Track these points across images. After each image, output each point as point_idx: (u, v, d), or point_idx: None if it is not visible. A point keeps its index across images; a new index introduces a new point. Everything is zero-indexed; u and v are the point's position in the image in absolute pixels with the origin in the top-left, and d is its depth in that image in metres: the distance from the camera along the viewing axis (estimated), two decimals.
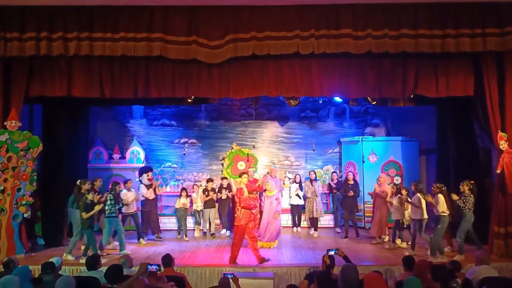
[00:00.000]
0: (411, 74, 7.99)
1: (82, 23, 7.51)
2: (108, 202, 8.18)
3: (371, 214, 9.60)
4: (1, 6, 7.47)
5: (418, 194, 7.99)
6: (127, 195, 8.90)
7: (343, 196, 9.84)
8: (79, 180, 8.26)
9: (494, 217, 7.89)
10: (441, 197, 7.63)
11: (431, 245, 7.68)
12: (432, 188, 7.89)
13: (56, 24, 7.51)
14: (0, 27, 7.50)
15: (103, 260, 5.93)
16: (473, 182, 7.81)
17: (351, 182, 9.77)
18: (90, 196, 7.67)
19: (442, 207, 7.59)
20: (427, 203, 7.88)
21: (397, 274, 6.29)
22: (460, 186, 7.82)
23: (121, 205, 8.43)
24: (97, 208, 7.68)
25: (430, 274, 4.55)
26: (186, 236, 9.62)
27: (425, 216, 7.96)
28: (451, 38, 7.41)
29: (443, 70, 7.96)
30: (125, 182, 9.18)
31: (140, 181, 9.63)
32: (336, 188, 10.26)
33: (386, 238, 9.05)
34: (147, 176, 9.56)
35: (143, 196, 9.39)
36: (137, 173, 10.45)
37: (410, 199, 8.24)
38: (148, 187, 9.51)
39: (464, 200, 7.59)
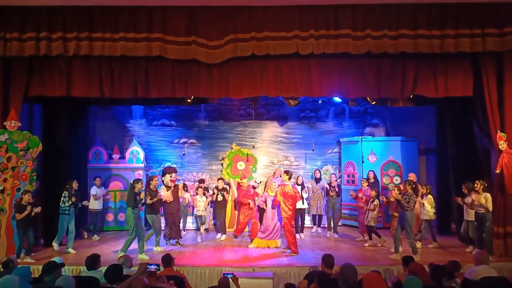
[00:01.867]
0: (410, 74, 8.01)
1: (82, 23, 7.52)
2: (62, 199, 8.28)
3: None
4: (0, 6, 7.48)
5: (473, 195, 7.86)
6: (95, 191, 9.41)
7: (327, 197, 10.04)
8: (133, 180, 8.34)
9: (493, 217, 7.89)
10: (488, 195, 7.68)
11: (487, 243, 7.71)
12: (476, 185, 7.85)
13: (55, 24, 7.52)
14: (0, 27, 7.50)
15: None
16: (415, 181, 8.16)
17: (372, 180, 9.91)
18: (26, 198, 7.57)
19: (490, 205, 7.67)
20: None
21: (396, 273, 6.30)
22: (402, 186, 8.14)
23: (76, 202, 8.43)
24: (29, 209, 7.53)
25: (429, 273, 4.56)
26: (184, 230, 9.58)
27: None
28: (450, 39, 7.43)
29: (442, 71, 7.98)
30: (94, 178, 9.68)
31: (162, 181, 9.18)
32: (334, 191, 9.97)
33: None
34: (170, 177, 8.98)
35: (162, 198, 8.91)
36: (136, 173, 10.49)
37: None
38: (169, 188, 8.96)
39: (408, 200, 7.70)
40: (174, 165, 11.10)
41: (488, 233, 7.73)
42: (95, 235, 9.64)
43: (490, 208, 7.70)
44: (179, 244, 8.96)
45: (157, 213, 8.49)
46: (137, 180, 8.21)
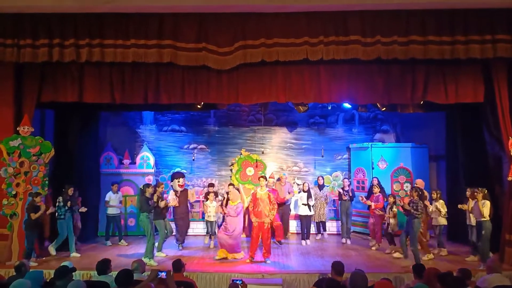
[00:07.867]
0: (420, 80, 7.98)
1: (94, 30, 7.62)
2: (57, 204, 8.38)
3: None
4: (14, 13, 7.60)
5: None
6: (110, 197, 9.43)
7: (340, 201, 10.14)
8: (143, 184, 8.52)
9: (505, 225, 7.80)
10: (487, 203, 7.54)
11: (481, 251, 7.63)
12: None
13: (68, 31, 7.62)
14: (13, 34, 7.62)
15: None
16: (421, 188, 8.18)
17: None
18: (38, 199, 7.82)
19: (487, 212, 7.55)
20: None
21: (407, 281, 6.24)
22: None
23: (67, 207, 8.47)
24: (43, 208, 7.85)
25: (438, 282, 4.52)
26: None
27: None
28: (460, 45, 7.38)
29: (452, 77, 7.95)
30: (112, 184, 9.66)
31: (171, 186, 9.40)
32: (347, 195, 9.97)
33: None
34: (178, 182, 9.16)
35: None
36: (147, 178, 10.56)
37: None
38: (176, 193, 9.15)
39: (416, 207, 7.59)
40: (184, 171, 11.13)
41: (483, 241, 7.50)
42: (122, 240, 9.71)
43: (486, 216, 7.44)
44: (181, 246, 9.19)
45: (164, 218, 8.59)
46: (147, 185, 8.27)
